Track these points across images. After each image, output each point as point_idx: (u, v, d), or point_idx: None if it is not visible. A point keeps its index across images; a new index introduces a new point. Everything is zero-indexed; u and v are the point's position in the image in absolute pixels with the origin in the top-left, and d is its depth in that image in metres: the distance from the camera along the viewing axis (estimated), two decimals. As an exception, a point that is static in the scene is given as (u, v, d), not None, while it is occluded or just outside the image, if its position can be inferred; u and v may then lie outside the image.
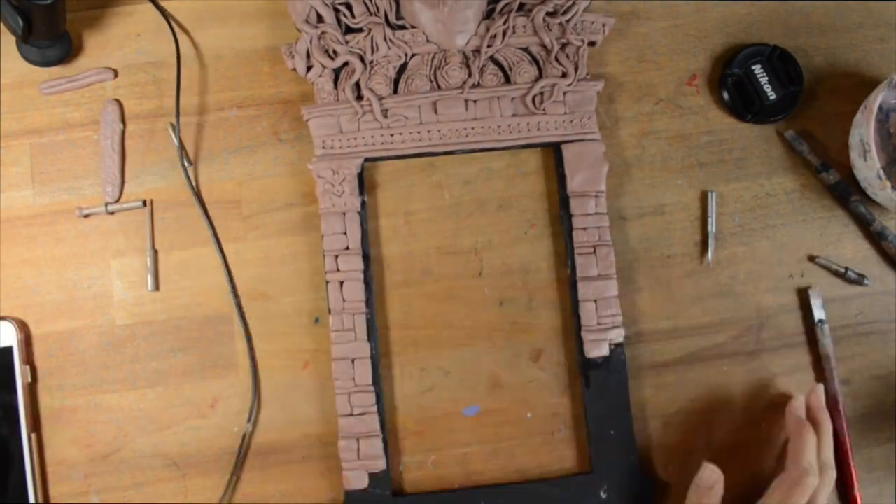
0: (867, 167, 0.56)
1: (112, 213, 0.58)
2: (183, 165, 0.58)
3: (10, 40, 0.59)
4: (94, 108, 0.60)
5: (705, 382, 0.59)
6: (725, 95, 0.61)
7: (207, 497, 0.57)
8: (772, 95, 0.60)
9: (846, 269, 0.59)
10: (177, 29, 0.61)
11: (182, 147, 0.59)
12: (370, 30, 0.58)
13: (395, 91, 0.59)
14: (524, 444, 0.58)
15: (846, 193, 0.60)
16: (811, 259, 0.60)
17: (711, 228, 0.59)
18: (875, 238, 0.60)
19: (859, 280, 0.59)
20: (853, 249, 0.61)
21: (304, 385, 0.58)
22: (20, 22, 0.54)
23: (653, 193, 0.60)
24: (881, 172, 0.55)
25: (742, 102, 0.61)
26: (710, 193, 0.60)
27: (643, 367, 0.58)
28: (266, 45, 0.61)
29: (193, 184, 0.59)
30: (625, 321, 0.58)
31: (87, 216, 0.58)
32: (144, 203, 0.59)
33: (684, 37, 0.62)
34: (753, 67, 0.60)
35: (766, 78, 0.60)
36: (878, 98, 0.55)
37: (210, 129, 0.60)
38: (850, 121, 0.59)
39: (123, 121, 0.60)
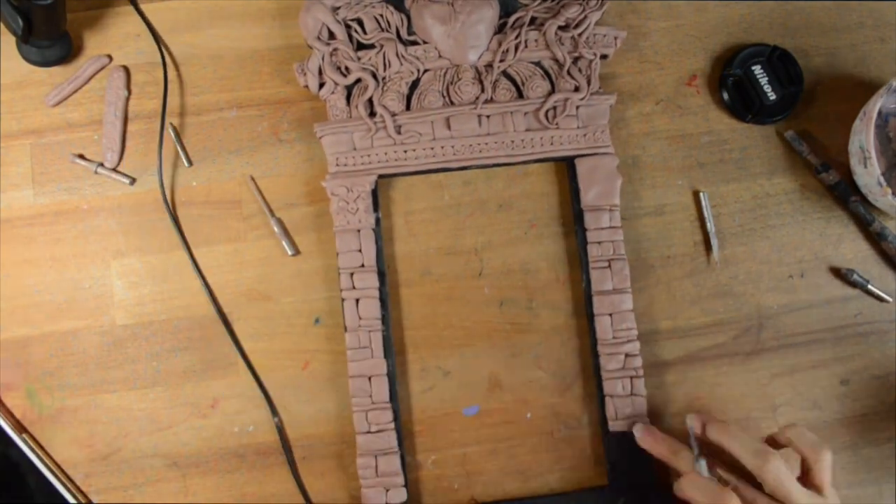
0: (867, 174, 0.56)
1: (97, 173, 0.58)
2: (160, 170, 0.58)
3: (10, 40, 0.59)
4: (94, 108, 0.60)
5: (705, 382, 0.59)
6: (725, 95, 0.61)
7: (208, 497, 0.57)
8: (772, 95, 0.60)
9: (867, 280, 0.59)
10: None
11: (162, 148, 0.59)
12: (382, 46, 0.58)
13: (408, 107, 0.58)
14: (524, 443, 0.58)
15: (846, 194, 0.60)
16: (835, 272, 0.60)
17: (711, 227, 0.59)
18: (875, 238, 0.60)
19: (880, 297, 0.60)
20: (853, 249, 0.61)
21: (304, 385, 0.58)
22: (20, 22, 0.54)
23: (653, 193, 0.60)
24: (881, 179, 0.55)
25: (742, 102, 0.61)
26: (702, 194, 0.60)
27: (643, 366, 0.58)
28: (266, 45, 0.61)
29: (165, 189, 0.59)
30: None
31: (77, 158, 0.59)
32: (133, 181, 0.59)
33: (684, 37, 0.62)
34: (753, 67, 0.60)
35: (766, 78, 0.60)
36: (876, 104, 0.55)
37: (210, 129, 0.60)
38: (851, 121, 0.59)
39: (129, 88, 0.60)
